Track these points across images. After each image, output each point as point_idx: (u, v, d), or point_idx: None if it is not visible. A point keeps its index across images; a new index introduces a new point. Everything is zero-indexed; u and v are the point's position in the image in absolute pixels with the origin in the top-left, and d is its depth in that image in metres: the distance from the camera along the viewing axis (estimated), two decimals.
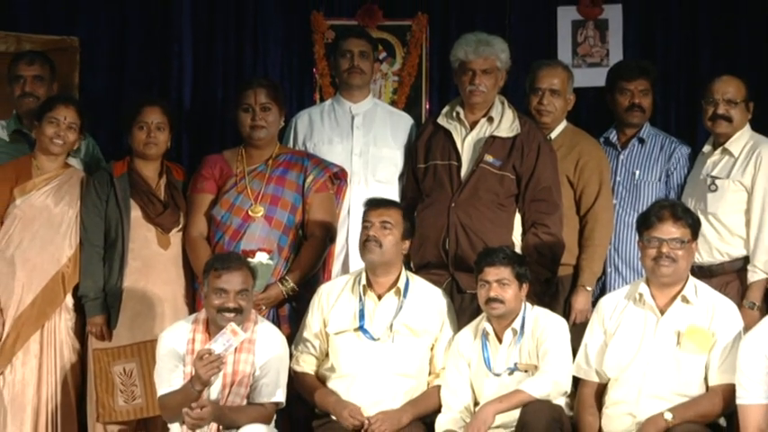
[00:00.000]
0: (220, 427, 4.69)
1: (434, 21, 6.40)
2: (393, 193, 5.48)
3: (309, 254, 5.35)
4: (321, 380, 5.04)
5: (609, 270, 5.56)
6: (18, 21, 6.26)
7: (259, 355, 4.78)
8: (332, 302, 5.04)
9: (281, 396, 4.80)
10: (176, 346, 4.78)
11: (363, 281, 5.03)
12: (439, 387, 4.96)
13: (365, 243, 4.96)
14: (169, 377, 4.76)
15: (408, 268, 5.15)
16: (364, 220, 5.02)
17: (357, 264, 5.32)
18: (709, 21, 6.28)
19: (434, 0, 6.43)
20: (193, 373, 4.61)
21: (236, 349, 4.69)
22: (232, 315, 4.68)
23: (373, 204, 5.07)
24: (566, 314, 5.26)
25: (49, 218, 5.32)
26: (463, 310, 5.13)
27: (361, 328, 4.97)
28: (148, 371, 5.09)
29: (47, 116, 5.32)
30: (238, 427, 4.66)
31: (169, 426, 4.83)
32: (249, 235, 5.23)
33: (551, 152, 5.34)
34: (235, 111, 5.44)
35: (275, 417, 4.84)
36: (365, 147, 5.64)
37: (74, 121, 5.34)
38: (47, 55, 5.81)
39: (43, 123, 5.32)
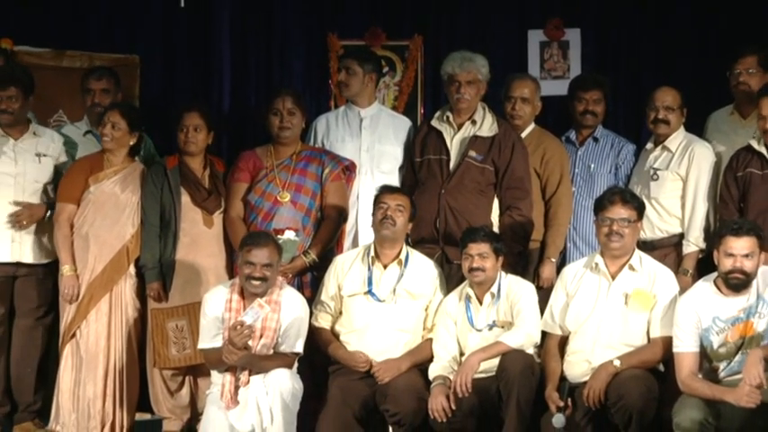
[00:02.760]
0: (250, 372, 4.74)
1: (428, 41, 6.36)
2: (394, 183, 5.43)
3: (327, 232, 5.36)
4: (336, 334, 5.04)
5: (569, 245, 5.55)
6: (89, 42, 6.26)
7: (283, 315, 4.81)
8: (345, 270, 5.06)
9: (300, 347, 4.84)
10: (217, 306, 4.82)
11: (372, 253, 5.03)
12: (432, 340, 4.97)
13: (382, 221, 4.95)
14: (210, 335, 4.80)
15: (407, 243, 5.17)
16: (380, 201, 5.01)
17: (365, 240, 5.36)
18: (651, 42, 6.28)
19: (428, 24, 6.39)
20: (227, 338, 4.64)
21: None
22: (258, 282, 4.72)
23: (388, 190, 5.08)
24: (534, 281, 5.27)
25: (116, 202, 5.33)
26: (451, 277, 5.14)
27: (369, 291, 4.99)
28: (196, 327, 5.08)
29: (102, 120, 5.37)
30: (267, 371, 4.70)
31: (211, 372, 4.90)
32: (278, 216, 5.25)
33: (523, 149, 5.34)
34: (265, 114, 5.44)
35: (297, 364, 4.88)
36: (371, 144, 5.61)
37: (117, 122, 5.33)
38: (113, 69, 5.82)
39: (100, 126, 5.38)
